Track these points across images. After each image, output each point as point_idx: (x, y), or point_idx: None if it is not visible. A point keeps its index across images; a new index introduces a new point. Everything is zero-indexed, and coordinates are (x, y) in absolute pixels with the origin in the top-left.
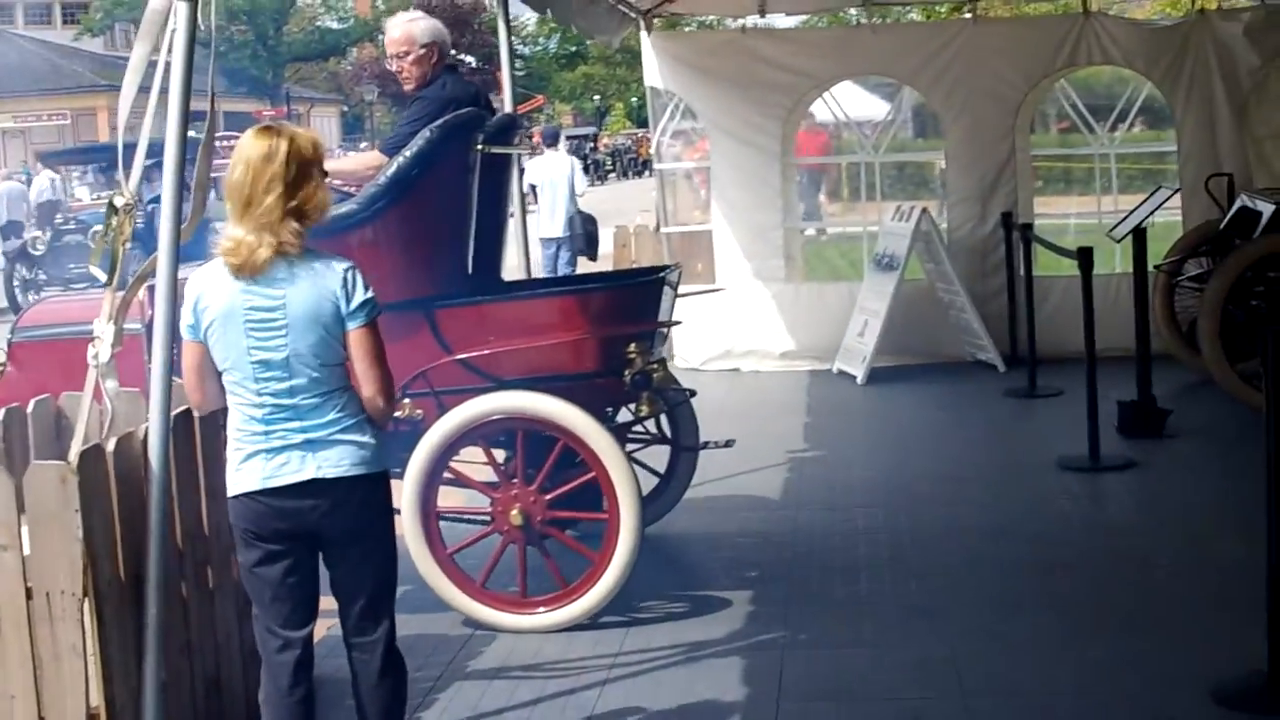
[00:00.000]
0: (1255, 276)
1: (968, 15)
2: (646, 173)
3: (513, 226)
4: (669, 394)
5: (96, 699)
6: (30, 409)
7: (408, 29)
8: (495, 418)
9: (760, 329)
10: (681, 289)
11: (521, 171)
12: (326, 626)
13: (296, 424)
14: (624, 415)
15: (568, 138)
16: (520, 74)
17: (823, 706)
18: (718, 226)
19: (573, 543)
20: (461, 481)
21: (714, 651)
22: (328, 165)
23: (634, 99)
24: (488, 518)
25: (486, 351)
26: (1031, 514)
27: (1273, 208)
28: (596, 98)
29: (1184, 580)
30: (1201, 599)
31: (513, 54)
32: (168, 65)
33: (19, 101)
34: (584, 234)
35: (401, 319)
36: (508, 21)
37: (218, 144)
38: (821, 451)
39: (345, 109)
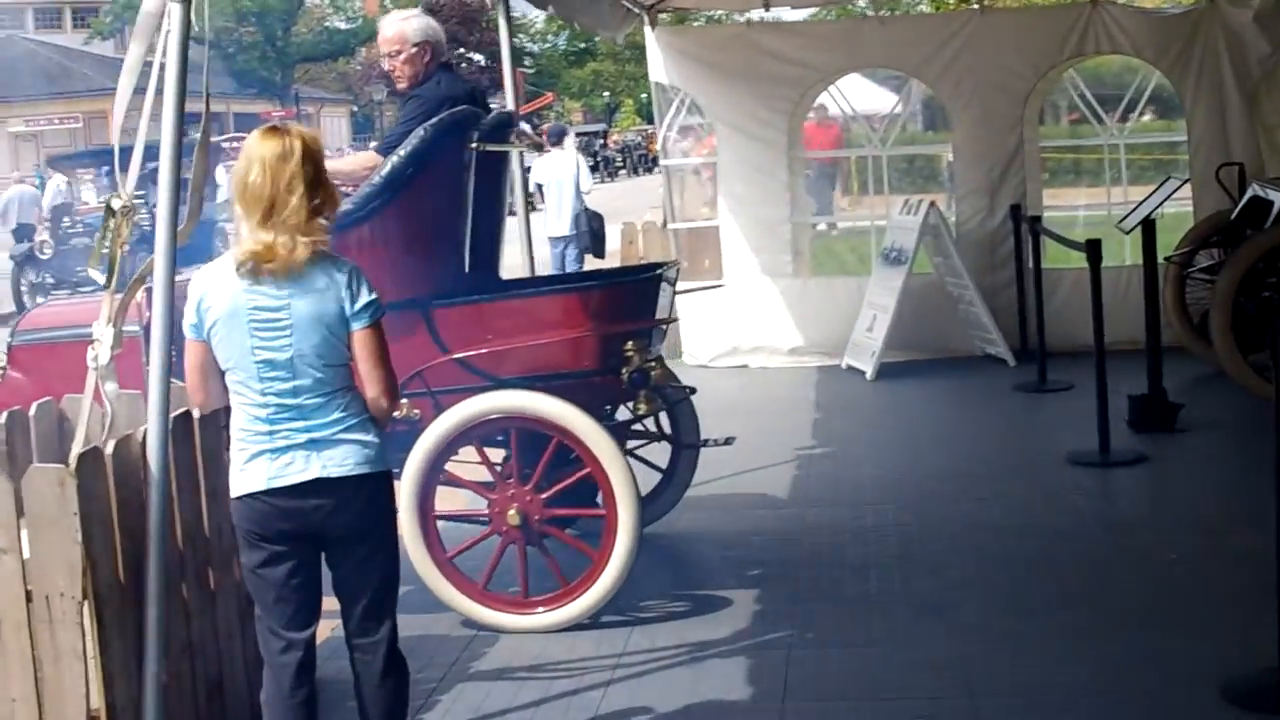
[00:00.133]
0: (1268, 267)
1: (975, 6)
2: (657, 169)
3: (517, 225)
4: (668, 391)
5: (97, 702)
6: (33, 412)
7: (400, 28)
8: (491, 417)
9: (768, 325)
10: (681, 285)
11: (527, 170)
12: (330, 628)
13: (301, 424)
14: (625, 414)
15: (578, 134)
16: (529, 71)
17: (830, 707)
18: (725, 222)
19: (573, 541)
20: (458, 483)
21: (720, 651)
22: (325, 165)
23: (644, 95)
24: (486, 519)
25: (483, 350)
26: (1042, 510)
27: None
28: (606, 94)
29: (1196, 576)
30: (1213, 595)
31: (516, 51)
32: (163, 66)
33: (31, 105)
34: (589, 231)
35: (398, 318)
36: (509, 18)
37: (228, 145)
38: (830, 448)
39: (355, 109)
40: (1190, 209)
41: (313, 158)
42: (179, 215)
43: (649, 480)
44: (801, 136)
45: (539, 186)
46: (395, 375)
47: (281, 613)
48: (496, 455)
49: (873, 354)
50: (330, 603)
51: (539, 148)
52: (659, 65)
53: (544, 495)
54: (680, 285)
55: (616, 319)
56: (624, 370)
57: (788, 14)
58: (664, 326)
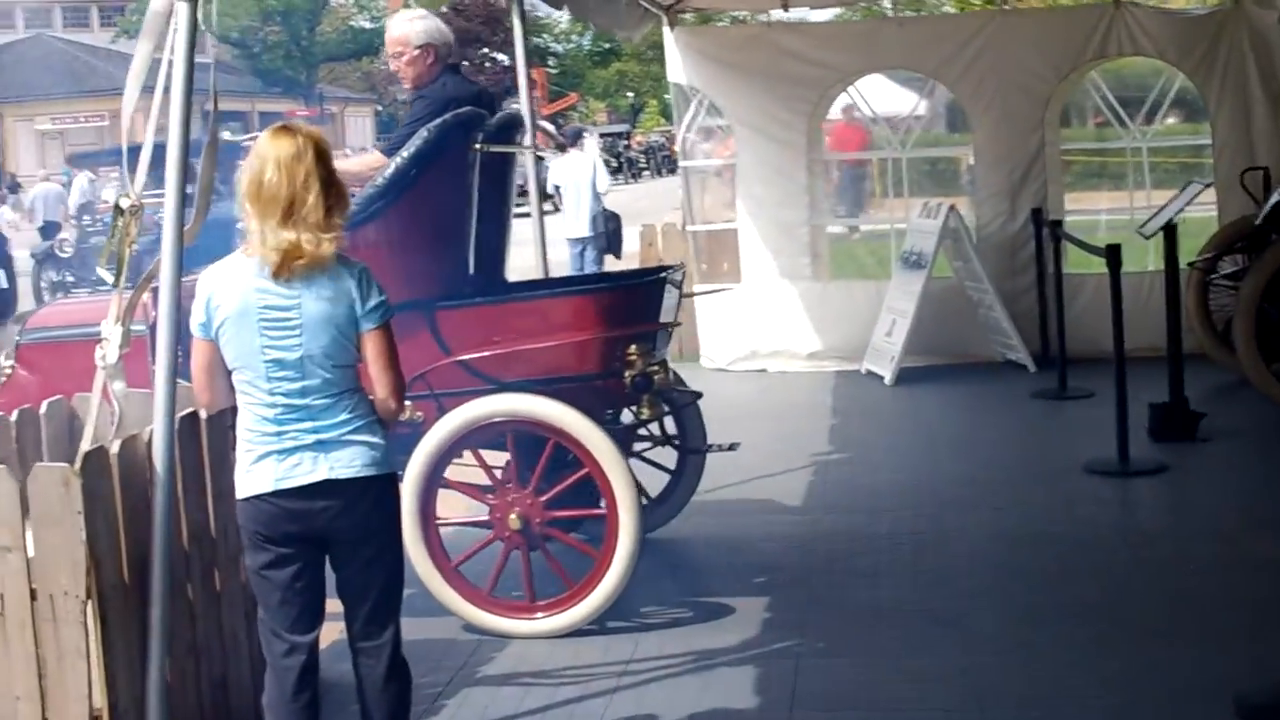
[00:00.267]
0: None
1: (1005, 7)
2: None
3: (531, 226)
4: (674, 396)
5: (100, 701)
6: (44, 410)
7: (404, 30)
8: (491, 421)
9: (787, 329)
10: (689, 288)
11: (545, 170)
12: (337, 631)
13: (309, 424)
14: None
15: (601, 135)
16: (554, 71)
17: (838, 717)
18: (743, 224)
19: (577, 543)
20: (458, 489)
21: (727, 660)
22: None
23: (668, 96)
24: (488, 524)
25: (485, 353)
26: (1058, 519)
27: None
28: (631, 95)
29: (1213, 588)
30: (1230, 607)
31: (540, 51)
32: (204, 66)
33: (57, 104)
34: (606, 232)
35: (401, 320)
36: (523, 16)
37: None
38: (847, 454)
39: (379, 108)
40: (1214, 214)
41: (324, 157)
42: (185, 215)
43: (657, 483)
44: (821, 138)
45: (557, 188)
46: (403, 377)
47: (285, 615)
48: (503, 459)
49: (892, 359)
50: (334, 605)
51: (562, 148)
52: (677, 66)
53: (544, 499)
54: (697, 288)
55: (619, 322)
56: (627, 374)
57: (813, 15)
58: (669, 330)
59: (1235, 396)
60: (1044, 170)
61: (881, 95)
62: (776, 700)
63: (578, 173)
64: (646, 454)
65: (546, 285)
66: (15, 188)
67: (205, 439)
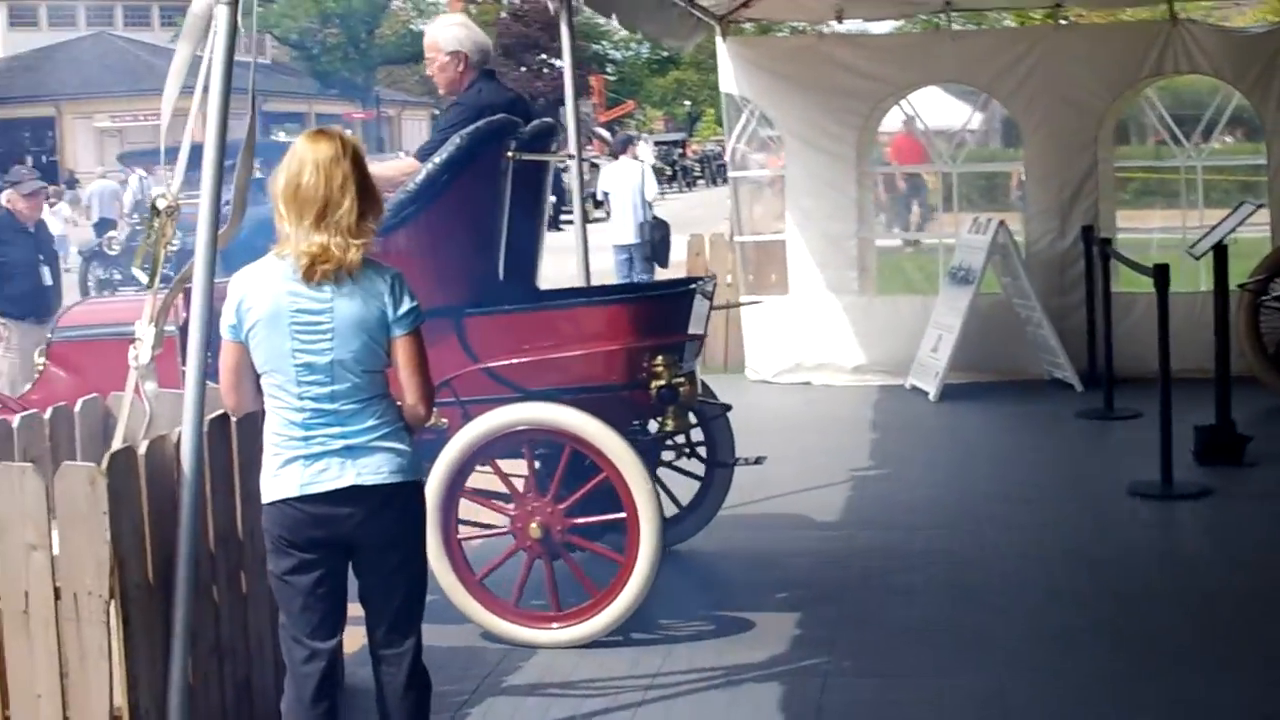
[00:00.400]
0: None
1: (1064, 20)
2: None
3: (574, 234)
4: (703, 408)
5: (121, 701)
6: (78, 408)
7: (435, 36)
8: (513, 430)
9: (832, 342)
10: (734, 299)
11: (595, 171)
12: (363, 636)
13: (337, 429)
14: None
15: (656, 143)
16: (612, 79)
17: None
18: (791, 236)
19: (603, 550)
20: (479, 500)
21: (755, 676)
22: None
23: None
24: (509, 535)
25: (511, 361)
26: (1097, 541)
27: None
28: (688, 103)
29: (1251, 617)
30: (1269, 637)
31: (599, 58)
32: (246, 67)
33: (117, 101)
34: (651, 240)
35: (428, 326)
36: (572, 25)
37: None
38: (887, 469)
39: (436, 112)
40: (1268, 235)
41: (360, 163)
42: (221, 218)
43: (689, 492)
44: (871, 151)
45: (606, 194)
46: (433, 383)
47: (307, 621)
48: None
49: (937, 374)
50: (356, 610)
51: (614, 155)
52: (729, 76)
53: (563, 506)
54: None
55: (646, 333)
56: (652, 385)
57: (872, 27)
58: (698, 342)
59: None
60: (1096, 187)
61: (934, 109)
62: (802, 718)
63: (627, 180)
64: (676, 463)
65: (576, 294)
66: (73, 184)
67: (235, 441)
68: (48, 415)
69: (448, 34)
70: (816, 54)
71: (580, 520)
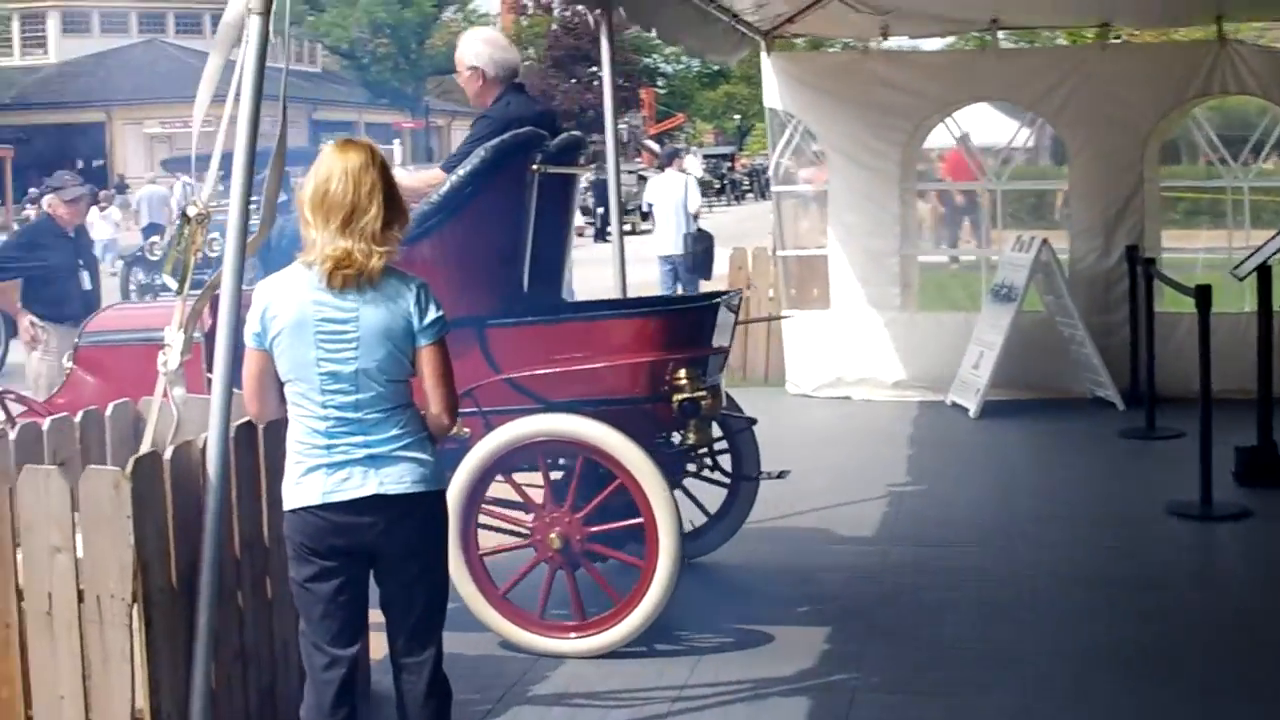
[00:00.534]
0: None
1: (1115, 39)
2: None
3: (612, 246)
4: (728, 421)
5: (143, 704)
6: (109, 412)
7: (460, 51)
8: (533, 440)
9: (873, 357)
10: (775, 312)
11: (644, 183)
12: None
13: (360, 439)
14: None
15: (705, 156)
16: (662, 92)
17: None
18: (833, 251)
19: (622, 556)
20: (497, 512)
21: (782, 689)
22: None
23: None
24: (530, 547)
25: (534, 372)
26: (1132, 562)
27: None
28: (738, 117)
29: None
30: None
31: (649, 71)
32: (279, 73)
33: (168, 108)
34: (693, 252)
35: (451, 336)
36: (611, 38)
37: None
38: (923, 486)
39: None
40: None
41: (387, 173)
42: (249, 226)
43: (716, 501)
44: (914, 169)
45: (650, 206)
46: (456, 393)
47: (327, 628)
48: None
49: (977, 391)
50: (379, 616)
51: (661, 168)
52: (774, 91)
53: (580, 515)
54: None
55: (669, 346)
56: (675, 398)
57: (924, 44)
58: (723, 355)
59: None
60: (1141, 206)
61: (980, 125)
62: None
63: (671, 192)
64: (700, 475)
65: (600, 306)
66: (123, 189)
67: (262, 446)
68: (78, 419)
69: (470, 49)
70: (860, 70)
71: (598, 528)
